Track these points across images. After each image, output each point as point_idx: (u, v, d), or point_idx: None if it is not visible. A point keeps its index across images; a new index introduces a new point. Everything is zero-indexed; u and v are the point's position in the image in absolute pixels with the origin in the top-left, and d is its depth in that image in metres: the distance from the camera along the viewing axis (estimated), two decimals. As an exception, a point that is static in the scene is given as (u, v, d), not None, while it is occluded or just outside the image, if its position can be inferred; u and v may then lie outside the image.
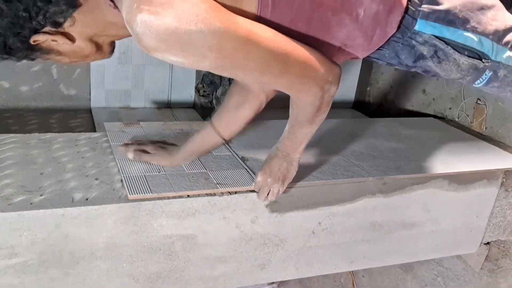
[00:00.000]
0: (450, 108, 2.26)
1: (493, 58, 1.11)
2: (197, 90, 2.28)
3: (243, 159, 1.49)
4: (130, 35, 0.90)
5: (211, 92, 2.21)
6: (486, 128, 2.07)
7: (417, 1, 1.04)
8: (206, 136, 1.37)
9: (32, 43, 0.95)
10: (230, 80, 2.03)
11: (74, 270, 1.20)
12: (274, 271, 1.47)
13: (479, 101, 2.09)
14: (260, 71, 0.96)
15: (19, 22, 0.91)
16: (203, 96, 2.25)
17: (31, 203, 1.15)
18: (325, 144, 1.70)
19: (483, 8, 1.08)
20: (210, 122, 1.36)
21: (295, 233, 1.44)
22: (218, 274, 1.39)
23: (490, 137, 2.03)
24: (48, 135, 1.53)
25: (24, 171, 1.29)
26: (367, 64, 2.76)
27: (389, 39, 1.08)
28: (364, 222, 1.53)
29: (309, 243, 1.47)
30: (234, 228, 1.35)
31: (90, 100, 2.27)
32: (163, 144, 1.47)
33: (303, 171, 1.45)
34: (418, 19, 1.04)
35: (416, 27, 1.05)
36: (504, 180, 1.73)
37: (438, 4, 1.05)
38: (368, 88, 2.82)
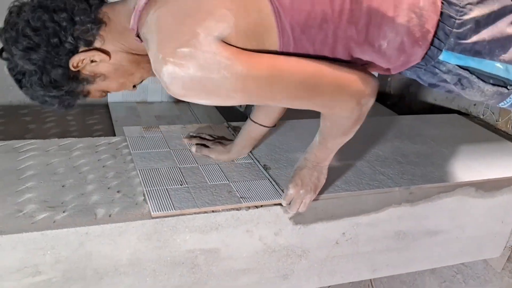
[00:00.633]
0: (474, 105, 2.20)
1: None
2: None
3: (266, 167, 1.46)
4: None
5: None
6: (512, 127, 2.01)
7: (444, 34, 1.00)
8: (251, 130, 1.44)
9: (73, 68, 0.97)
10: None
11: (98, 286, 1.20)
12: (297, 281, 1.45)
13: (506, 99, 2.02)
14: (290, 99, 0.98)
15: (53, 50, 0.94)
16: None
17: (54, 221, 1.13)
18: (348, 145, 1.65)
19: (510, 37, 1.04)
20: (249, 119, 1.43)
21: (319, 244, 1.42)
22: (241, 285, 1.38)
23: (516, 136, 1.97)
24: (68, 141, 1.51)
25: (45, 183, 1.28)
26: (388, 54, 2.68)
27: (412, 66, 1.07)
28: (388, 231, 1.50)
29: (333, 253, 1.45)
30: (257, 240, 1.33)
31: (107, 95, 2.24)
32: (222, 140, 1.56)
33: (328, 181, 1.42)
34: (444, 50, 1.01)
35: (441, 57, 1.02)
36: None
37: (466, 38, 1.00)
38: (389, 79, 2.75)
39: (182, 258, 1.26)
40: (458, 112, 2.24)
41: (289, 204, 1.29)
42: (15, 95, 2.09)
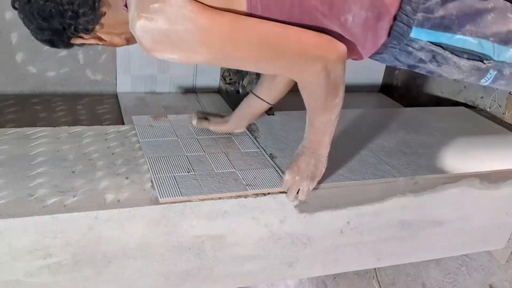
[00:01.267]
0: (481, 97, 2.20)
1: (495, 58, 1.09)
2: (223, 78, 2.25)
3: (272, 156, 1.48)
4: None
5: (237, 80, 2.18)
6: (519, 120, 2.01)
7: (412, 10, 1.02)
8: (251, 103, 1.47)
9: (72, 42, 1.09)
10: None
11: (107, 269, 1.23)
12: (301, 269, 1.48)
13: (513, 92, 2.03)
14: (254, 58, 1.00)
15: (57, 33, 1.04)
16: (229, 84, 2.23)
17: (64, 205, 1.16)
18: (353, 136, 1.67)
19: (481, 12, 1.06)
20: (251, 92, 1.46)
21: (324, 232, 1.43)
22: (246, 272, 1.41)
23: (523, 129, 1.97)
24: (78, 129, 1.54)
25: (56, 169, 1.31)
26: (396, 47, 2.68)
27: (385, 45, 1.09)
28: (393, 221, 1.52)
29: (337, 241, 1.47)
30: (263, 228, 1.35)
31: (116, 85, 2.27)
32: (222, 114, 1.60)
33: (333, 170, 1.44)
34: (413, 27, 1.04)
35: (412, 35, 1.05)
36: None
37: (433, 12, 1.02)
38: (396, 71, 2.75)
39: (189, 243, 1.28)
40: (465, 105, 2.24)
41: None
42: (26, 85, 2.12)
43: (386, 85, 2.77)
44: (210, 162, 1.41)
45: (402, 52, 1.09)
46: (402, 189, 1.47)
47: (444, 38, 1.05)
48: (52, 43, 1.08)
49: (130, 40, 1.13)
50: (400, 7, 1.02)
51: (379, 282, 2.78)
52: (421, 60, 1.09)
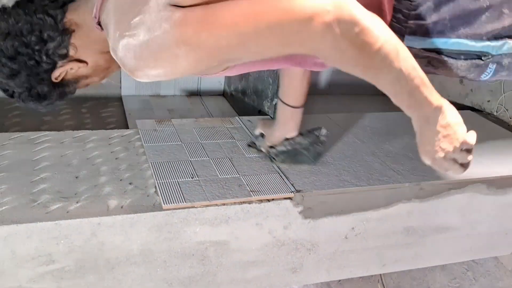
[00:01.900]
0: (488, 101, 2.18)
1: (493, 53, 1.03)
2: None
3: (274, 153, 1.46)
4: None
5: None
6: (527, 124, 1.99)
7: (403, 18, 0.98)
8: (284, 114, 1.42)
9: (55, 80, 1.00)
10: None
11: (110, 275, 1.22)
12: (306, 275, 1.47)
13: (520, 95, 2.01)
14: (241, 45, 0.86)
15: (33, 72, 0.98)
16: None
17: (67, 212, 1.16)
18: (358, 141, 1.66)
19: (475, 12, 1.01)
20: (279, 99, 1.42)
21: (328, 238, 1.42)
22: (250, 278, 1.40)
23: (531, 134, 1.95)
24: (82, 133, 1.53)
25: (59, 174, 1.30)
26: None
27: None
28: (398, 227, 1.50)
29: (342, 247, 1.46)
30: (267, 234, 1.34)
31: (120, 88, 2.26)
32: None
33: (337, 175, 1.43)
34: (406, 35, 0.98)
35: (405, 43, 0.95)
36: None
37: (425, 18, 0.98)
38: (401, 74, 2.73)
39: (192, 250, 1.28)
40: (472, 109, 2.22)
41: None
42: (31, 88, 2.12)
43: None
44: (214, 167, 1.40)
45: None
46: (407, 195, 1.46)
47: (439, 43, 1.00)
48: (38, 94, 1.00)
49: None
50: (392, 18, 0.98)
51: (384, 286, 2.76)
52: None
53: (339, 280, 3.15)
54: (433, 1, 0.97)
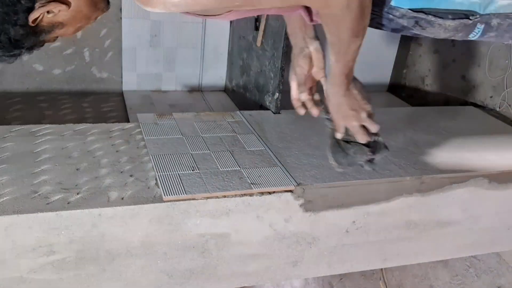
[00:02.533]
0: (491, 97, 2.17)
1: (481, 12, 1.04)
2: None
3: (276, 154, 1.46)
4: None
5: None
6: (529, 119, 1.98)
7: None
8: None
9: (32, 24, 0.90)
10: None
11: (110, 266, 1.22)
12: (306, 268, 1.46)
13: (523, 91, 2.00)
14: None
15: (10, 10, 0.88)
16: None
17: (68, 203, 1.16)
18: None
19: None
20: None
21: (329, 231, 1.42)
22: (251, 271, 1.39)
23: (533, 129, 1.95)
24: (83, 126, 1.53)
25: (60, 166, 1.30)
26: (404, 46, 2.66)
27: None
28: (399, 221, 1.50)
29: (343, 241, 1.46)
30: (268, 227, 1.34)
31: (122, 83, 2.27)
32: None
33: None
34: None
35: (392, 3, 1.00)
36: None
37: None
38: (404, 71, 2.73)
39: (193, 242, 1.27)
40: (474, 105, 2.21)
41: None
42: (32, 83, 2.13)
43: (394, 84, 2.75)
44: (215, 160, 1.40)
45: (384, 19, 1.05)
46: (409, 188, 1.45)
47: (426, 2, 1.01)
48: (9, 40, 0.91)
49: (97, 4, 0.98)
50: None
51: (386, 284, 2.76)
52: (404, 26, 1.05)
53: (341, 279, 3.15)
54: None
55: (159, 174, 1.29)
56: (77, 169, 1.30)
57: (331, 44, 1.03)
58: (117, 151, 1.42)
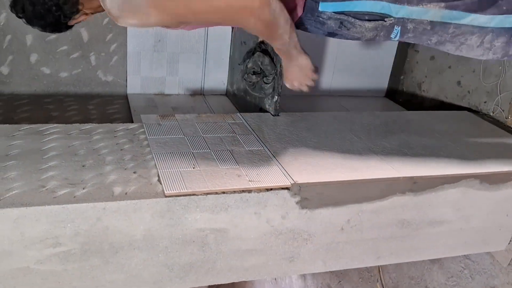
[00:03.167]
0: (485, 102, 2.22)
1: (394, 15, 1.19)
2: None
3: (274, 154, 1.52)
4: None
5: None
6: (522, 124, 2.03)
7: None
8: None
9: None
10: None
11: (114, 259, 1.28)
12: (302, 264, 1.51)
13: (516, 96, 2.05)
14: (195, 16, 1.09)
15: (56, 25, 1.19)
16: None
17: (74, 196, 1.22)
18: (357, 138, 1.71)
19: None
20: None
21: (324, 229, 1.47)
22: (248, 266, 1.44)
23: (525, 133, 2.00)
24: (89, 126, 1.59)
25: (66, 163, 1.36)
26: (402, 53, 2.72)
27: (303, 18, 1.21)
28: (392, 219, 1.55)
29: (338, 239, 1.51)
30: (265, 223, 1.39)
31: (126, 86, 2.33)
32: None
33: (334, 167, 1.48)
34: (320, 2, 1.18)
35: (320, 9, 1.19)
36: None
37: None
38: (401, 77, 2.79)
39: (193, 236, 1.33)
40: (469, 110, 2.27)
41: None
42: (39, 85, 2.20)
43: (391, 90, 2.80)
44: (215, 158, 1.45)
45: (317, 23, 1.22)
46: (402, 187, 1.50)
47: (344, 6, 1.18)
48: (58, 29, 1.22)
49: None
50: None
51: (383, 285, 2.80)
52: (333, 28, 1.22)
53: (339, 281, 3.19)
54: None
55: (161, 171, 1.35)
56: (83, 166, 1.36)
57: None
58: (121, 150, 1.47)
